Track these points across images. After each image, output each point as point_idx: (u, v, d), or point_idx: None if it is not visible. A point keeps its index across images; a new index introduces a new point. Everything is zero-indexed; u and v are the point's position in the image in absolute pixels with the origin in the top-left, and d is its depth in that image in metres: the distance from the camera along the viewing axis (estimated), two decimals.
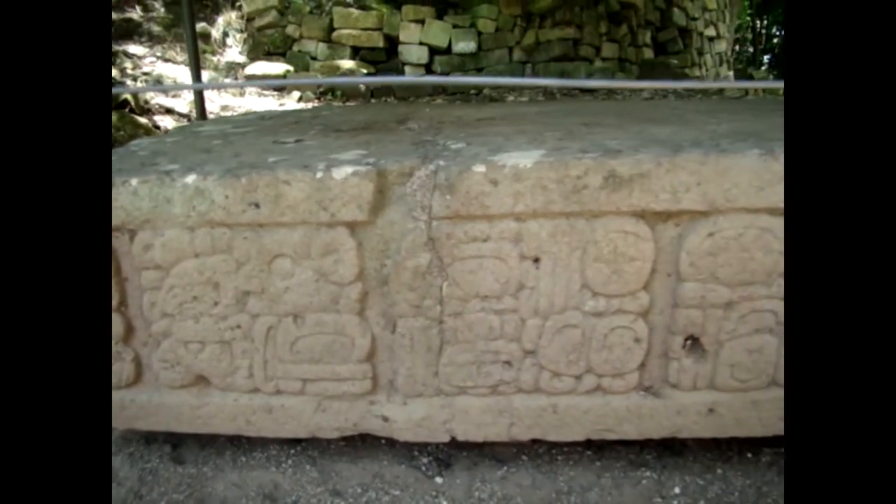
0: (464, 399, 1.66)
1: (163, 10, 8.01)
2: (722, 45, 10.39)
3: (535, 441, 1.85)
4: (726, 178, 1.42)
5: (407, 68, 7.95)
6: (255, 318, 1.62)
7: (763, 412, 1.61)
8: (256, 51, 8.13)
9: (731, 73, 10.77)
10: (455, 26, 7.80)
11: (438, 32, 7.75)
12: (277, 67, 7.74)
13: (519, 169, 1.44)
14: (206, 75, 7.51)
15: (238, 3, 8.23)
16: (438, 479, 1.81)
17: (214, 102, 7.04)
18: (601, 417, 1.63)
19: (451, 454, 1.89)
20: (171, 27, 7.85)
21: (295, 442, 1.93)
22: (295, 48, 8.07)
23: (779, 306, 1.51)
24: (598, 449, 1.88)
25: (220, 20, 8.09)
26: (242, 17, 8.13)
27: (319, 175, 1.48)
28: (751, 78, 11.07)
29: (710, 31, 9.88)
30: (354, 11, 7.93)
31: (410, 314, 1.58)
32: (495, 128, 1.91)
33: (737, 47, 17.22)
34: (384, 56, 8.01)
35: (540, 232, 1.49)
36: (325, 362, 1.65)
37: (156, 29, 7.60)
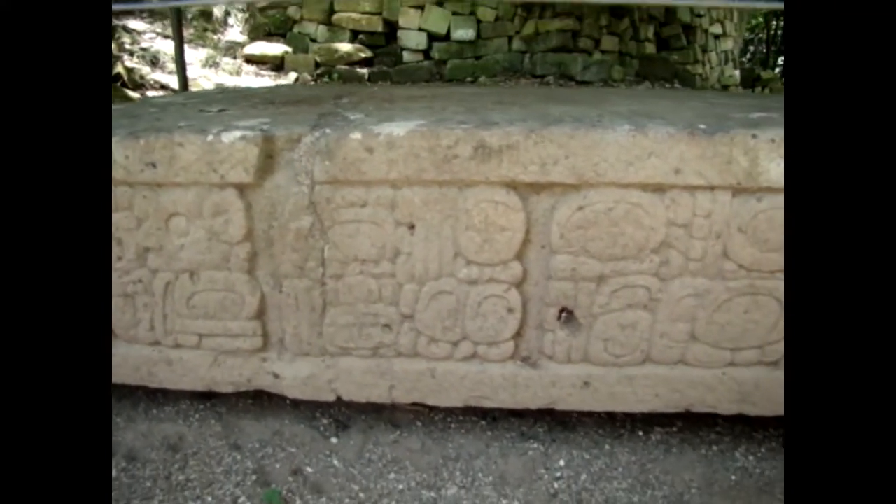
0: (347, 360, 1.71)
1: None
2: (728, 44, 10.26)
3: (431, 408, 1.90)
4: (595, 151, 1.45)
5: (405, 53, 7.97)
6: (154, 274, 1.68)
7: (638, 387, 1.64)
8: (257, 31, 8.20)
9: (736, 73, 10.63)
10: (455, 13, 7.80)
11: (438, 19, 7.76)
12: (276, 48, 7.80)
13: (392, 137, 1.48)
14: (203, 53, 7.59)
15: None
16: (334, 440, 1.86)
17: (210, 81, 7.11)
18: (478, 384, 1.67)
19: (350, 416, 1.94)
20: None
21: (206, 397, 2.00)
22: (295, 30, 8.13)
23: (651, 282, 1.54)
24: (492, 420, 1.92)
25: None
26: None
27: (210, 138, 1.53)
28: (758, 78, 10.93)
29: (716, 29, 9.76)
30: None
31: (294, 275, 1.63)
32: (413, 104, 1.95)
33: (751, 48, 17.01)
34: (383, 41, 8.03)
35: (413, 199, 1.53)
36: (219, 318, 1.70)
37: (158, 5, 7.70)
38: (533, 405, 1.68)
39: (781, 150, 1.42)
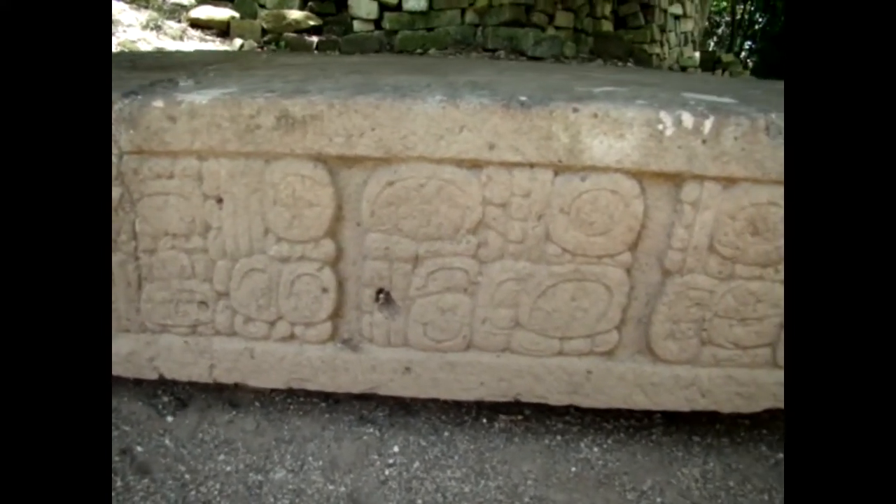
0: (167, 337, 1.62)
1: None
2: (688, 25, 10.20)
3: (273, 390, 1.82)
4: (402, 123, 1.35)
5: (356, 23, 7.76)
6: None
7: (461, 375, 1.58)
8: None
9: (696, 54, 10.59)
10: None
11: None
12: (222, 12, 7.53)
13: (195, 106, 1.38)
14: (145, 15, 7.32)
15: None
16: (170, 418, 1.78)
17: (150, 44, 6.85)
18: (297, 366, 1.59)
19: (192, 394, 1.85)
20: None
21: None
22: None
23: (470, 264, 1.46)
24: (334, 402, 1.85)
25: None
26: None
27: None
28: (718, 61, 10.89)
29: (676, 10, 9.68)
30: None
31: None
32: (270, 71, 1.83)
33: (719, 30, 16.96)
34: (334, 9, 7.80)
35: (219, 171, 1.43)
36: None
37: None
38: (354, 389, 1.61)
39: (605, 126, 1.33)
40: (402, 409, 1.84)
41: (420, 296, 1.50)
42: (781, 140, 1.34)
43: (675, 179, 1.39)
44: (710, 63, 11.03)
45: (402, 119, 1.35)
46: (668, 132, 1.33)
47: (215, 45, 7.37)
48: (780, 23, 14.50)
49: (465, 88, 1.45)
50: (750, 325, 1.49)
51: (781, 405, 1.60)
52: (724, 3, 15.16)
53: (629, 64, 7.95)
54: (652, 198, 1.41)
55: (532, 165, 1.37)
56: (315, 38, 7.55)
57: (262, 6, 7.82)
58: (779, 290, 1.46)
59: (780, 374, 1.55)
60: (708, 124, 1.33)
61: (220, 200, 1.45)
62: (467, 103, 1.34)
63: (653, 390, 1.56)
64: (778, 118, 1.34)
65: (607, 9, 8.54)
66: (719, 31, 16.84)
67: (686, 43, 10.25)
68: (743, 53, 15.52)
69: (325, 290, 1.51)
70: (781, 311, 1.48)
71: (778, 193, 1.37)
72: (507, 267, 1.46)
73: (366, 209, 1.43)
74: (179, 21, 7.57)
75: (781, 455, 1.75)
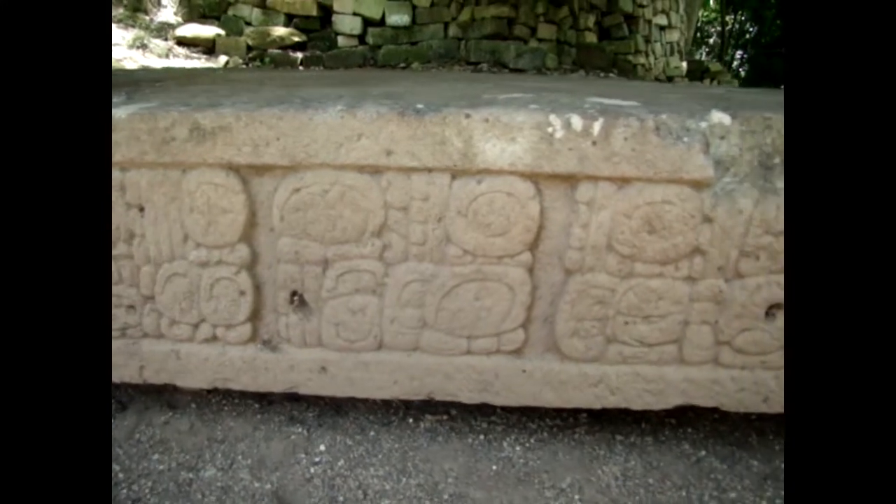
0: None
1: None
2: (674, 35, 10.28)
3: (210, 392, 1.88)
4: (304, 133, 1.42)
5: (340, 38, 7.87)
6: None
7: (375, 374, 1.63)
8: (192, 13, 8.06)
9: (683, 64, 10.66)
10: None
11: (372, 4, 7.67)
12: (208, 30, 7.67)
13: (116, 120, 1.45)
14: (132, 34, 7.45)
15: None
16: None
17: (136, 63, 6.97)
18: (220, 367, 1.65)
19: (132, 397, 1.91)
20: None
21: None
22: (230, 12, 7.99)
23: (376, 266, 1.52)
24: (268, 404, 1.90)
25: None
26: None
27: None
28: (706, 70, 10.97)
29: (661, 20, 9.77)
30: None
31: None
32: (207, 87, 1.90)
33: (710, 40, 17.07)
34: (318, 25, 7.92)
35: (140, 181, 1.49)
36: None
37: None
38: (275, 388, 1.66)
39: (497, 131, 1.39)
40: (333, 409, 1.89)
41: (331, 297, 1.55)
42: (672, 140, 1.39)
43: (570, 180, 1.44)
44: (697, 72, 11.11)
45: (303, 128, 1.42)
46: (558, 135, 1.39)
47: (200, 62, 7.49)
48: (771, 32, 14.61)
49: (371, 99, 1.51)
50: (654, 323, 1.54)
51: (692, 402, 1.64)
52: (715, 14, 15.26)
53: (611, 75, 8.03)
54: (549, 199, 1.47)
55: (430, 170, 1.43)
56: (299, 54, 7.66)
57: (248, 24, 7.96)
58: (680, 288, 1.51)
59: (687, 371, 1.59)
60: (597, 126, 1.39)
61: (142, 209, 1.52)
62: (365, 112, 1.40)
63: (562, 388, 1.61)
64: (669, 119, 1.40)
65: (591, 20, 8.63)
66: (710, 40, 16.96)
67: (672, 53, 10.33)
68: (735, 63, 15.64)
69: (242, 293, 1.57)
70: (684, 308, 1.53)
71: (671, 192, 1.42)
72: (411, 268, 1.52)
73: (276, 215, 1.49)
74: (166, 39, 7.70)
75: (703, 452, 1.79)
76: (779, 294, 1.51)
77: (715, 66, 11.19)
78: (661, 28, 9.94)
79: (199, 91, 1.72)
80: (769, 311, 1.55)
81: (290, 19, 7.93)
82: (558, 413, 1.88)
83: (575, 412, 1.90)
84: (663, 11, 9.78)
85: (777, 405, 1.63)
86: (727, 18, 15.39)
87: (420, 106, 1.42)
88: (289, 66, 7.44)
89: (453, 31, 7.92)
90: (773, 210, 1.44)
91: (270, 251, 1.56)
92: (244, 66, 7.39)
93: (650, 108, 1.45)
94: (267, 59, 7.50)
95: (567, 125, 1.39)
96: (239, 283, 1.56)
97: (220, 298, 1.57)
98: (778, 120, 1.44)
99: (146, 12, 7.89)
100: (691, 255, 1.48)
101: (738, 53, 15.68)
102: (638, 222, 1.44)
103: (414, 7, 7.80)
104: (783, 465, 1.75)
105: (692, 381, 1.60)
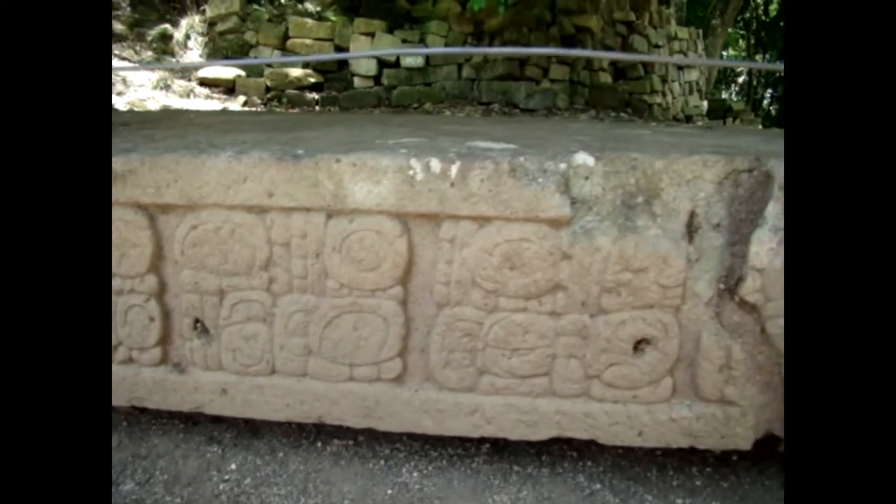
0: None
1: (129, 8, 8.50)
2: (693, 75, 10.34)
3: (141, 411, 2.02)
4: (198, 176, 1.58)
5: (356, 79, 8.20)
6: None
7: (269, 397, 1.75)
8: (216, 55, 8.50)
9: (703, 103, 10.68)
10: (404, 41, 8.02)
11: (387, 46, 7.97)
12: (229, 71, 8.08)
13: None
14: (158, 75, 7.90)
15: (202, 7, 8.64)
16: None
17: (158, 103, 7.39)
18: (135, 386, 1.79)
19: None
20: (133, 26, 8.31)
21: None
22: (251, 54, 8.42)
23: (264, 297, 1.66)
24: (192, 424, 2.04)
25: (184, 22, 8.51)
26: (205, 21, 8.54)
27: None
28: (729, 109, 10.96)
29: None
30: (309, 21, 8.24)
31: None
32: (163, 132, 2.11)
33: (739, 79, 16.98)
34: (335, 66, 8.28)
35: None
36: None
37: (119, 27, 8.07)
38: (183, 408, 1.79)
39: (364, 174, 1.53)
40: (250, 431, 2.01)
41: (227, 325, 1.69)
42: (527, 181, 1.51)
43: (435, 219, 1.57)
44: (720, 111, 11.09)
45: (197, 172, 1.58)
46: (419, 177, 1.52)
47: (219, 102, 7.87)
48: None
49: (260, 146, 1.67)
50: (522, 356, 1.63)
51: (567, 434, 1.71)
52: (743, 54, 15.26)
53: (622, 114, 8.12)
54: (418, 236, 1.59)
55: (307, 209, 1.57)
56: (316, 95, 7.99)
57: (269, 65, 8.34)
58: (544, 322, 1.60)
59: (559, 403, 1.67)
60: (454, 169, 1.51)
61: None
62: (249, 157, 1.56)
63: (440, 416, 1.70)
64: (527, 161, 1.52)
65: (605, 61, 8.77)
66: (740, 79, 16.90)
67: (691, 92, 10.37)
68: (765, 101, 15.53)
69: (152, 320, 1.72)
70: (550, 341, 1.62)
71: (529, 230, 1.53)
72: (295, 299, 1.65)
73: (177, 249, 1.65)
74: (189, 80, 8.12)
75: (598, 486, 1.84)
76: (645, 329, 1.59)
77: (737, 105, 11.17)
78: (680, 68, 10.01)
79: (141, 136, 1.91)
80: (638, 347, 1.62)
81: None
82: (461, 442, 1.96)
83: (479, 441, 1.97)
84: (681, 52, 9.86)
85: (652, 439, 1.68)
86: (757, 58, 15.34)
87: (299, 151, 1.58)
88: (305, 107, 7.77)
89: (467, 72, 8.15)
90: (632, 247, 1.52)
91: (176, 281, 1.71)
92: (264, 106, 7.74)
93: (527, 150, 1.57)
94: (284, 100, 7.85)
95: (427, 168, 1.52)
96: (149, 309, 1.71)
97: (134, 324, 1.73)
98: (644, 160, 1.54)
99: (173, 54, 8.37)
100: (553, 290, 1.57)
101: (769, 92, 15.56)
102: (499, 259, 1.55)
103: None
104: (678, 501, 1.79)
105: (565, 414, 1.67)
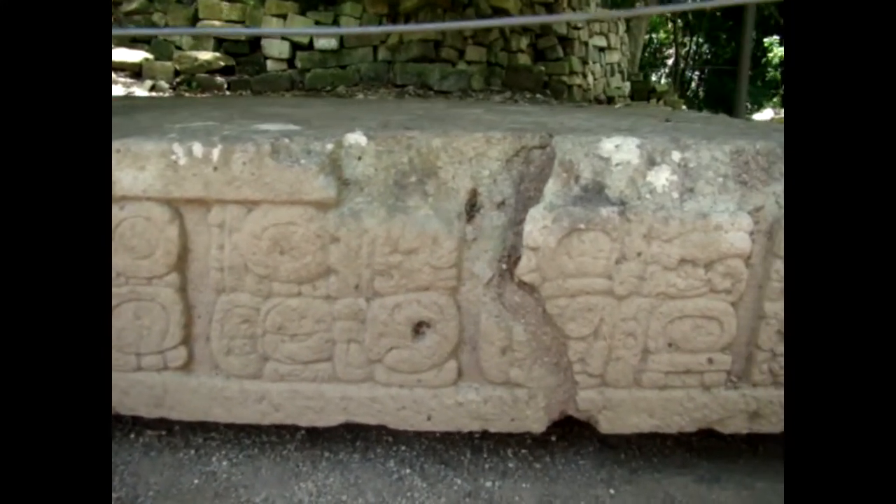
0: None
1: None
2: (614, 56, 10.46)
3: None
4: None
5: (269, 62, 8.01)
6: None
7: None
8: (121, 37, 8.19)
9: (626, 84, 10.85)
10: (317, 22, 7.86)
11: (300, 26, 7.82)
12: (136, 55, 7.79)
13: None
14: None
15: None
16: None
17: None
18: None
19: None
20: None
21: None
22: (160, 37, 8.13)
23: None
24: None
25: None
26: (111, 2, 8.20)
27: None
28: (652, 90, 11.16)
29: (600, 41, 9.94)
30: (220, 3, 7.99)
31: None
32: None
33: (669, 61, 17.32)
34: (247, 49, 8.07)
35: None
36: None
37: None
38: None
39: (129, 160, 1.48)
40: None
41: None
42: (290, 163, 1.48)
43: (205, 204, 1.53)
44: (643, 92, 11.29)
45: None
46: (182, 162, 1.48)
47: (123, 88, 7.57)
48: (725, 54, 14.85)
49: None
50: (301, 341, 1.61)
51: (355, 419, 1.70)
52: (671, 36, 15.53)
53: (538, 96, 8.17)
54: (191, 222, 1.55)
55: None
56: (227, 79, 7.78)
57: (178, 48, 8.08)
58: (320, 306, 1.59)
59: (345, 388, 1.66)
60: (216, 152, 1.48)
61: None
62: None
63: (228, 404, 1.68)
64: (292, 142, 1.49)
65: (524, 42, 8.79)
66: (669, 62, 17.22)
67: (613, 74, 10.50)
68: (694, 83, 15.89)
69: None
70: (327, 326, 1.60)
71: (295, 213, 1.51)
72: None
73: None
74: None
75: (408, 470, 1.83)
76: (421, 312, 1.59)
77: (661, 87, 11.38)
78: (601, 49, 10.12)
79: None
80: (418, 330, 1.62)
81: (219, 43, 8.06)
82: (277, 430, 1.94)
83: (294, 429, 1.96)
84: (601, 33, 9.96)
85: (441, 423, 1.69)
86: (685, 40, 15.65)
87: None
88: (215, 91, 7.56)
89: (382, 54, 8.06)
90: (399, 228, 1.51)
91: None
92: (172, 91, 7.50)
93: (311, 131, 1.55)
94: (193, 84, 7.62)
95: (189, 152, 1.48)
96: None
97: None
98: (421, 139, 1.53)
99: None
100: (325, 274, 1.56)
101: (696, 74, 15.92)
102: (268, 243, 1.52)
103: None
104: (487, 484, 1.80)
105: (351, 399, 1.67)
